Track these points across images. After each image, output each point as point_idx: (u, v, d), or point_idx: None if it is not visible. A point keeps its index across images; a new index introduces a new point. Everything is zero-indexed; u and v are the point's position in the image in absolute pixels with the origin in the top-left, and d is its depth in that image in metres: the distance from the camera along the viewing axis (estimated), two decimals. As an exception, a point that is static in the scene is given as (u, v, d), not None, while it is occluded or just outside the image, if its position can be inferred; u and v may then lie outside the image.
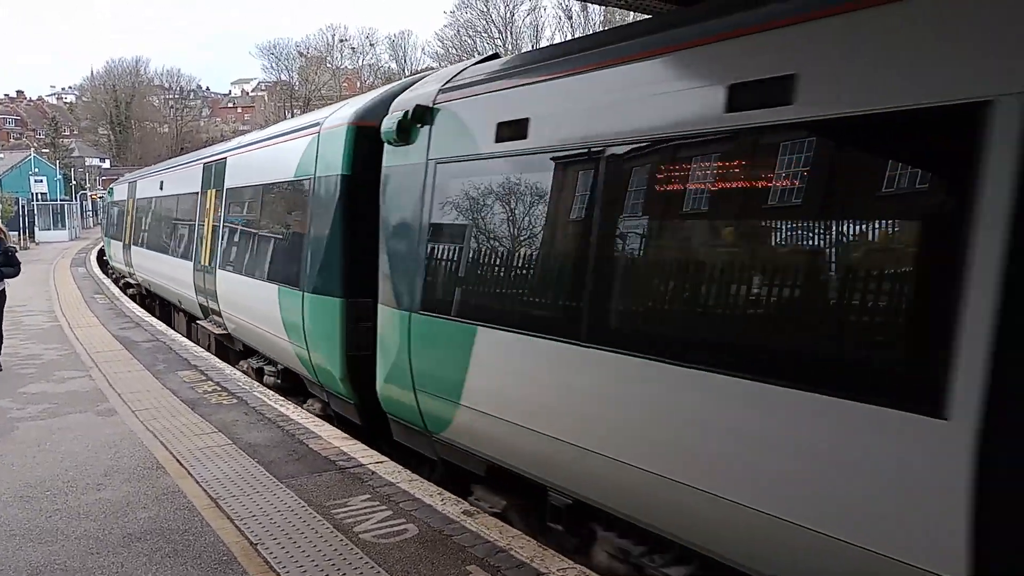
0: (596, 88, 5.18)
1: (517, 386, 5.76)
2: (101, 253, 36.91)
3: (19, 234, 51.32)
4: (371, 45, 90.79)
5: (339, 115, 8.92)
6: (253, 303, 10.96)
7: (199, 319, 14.73)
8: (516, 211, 5.91)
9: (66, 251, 42.64)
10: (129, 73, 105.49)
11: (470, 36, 69.46)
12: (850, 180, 3.85)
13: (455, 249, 6.50)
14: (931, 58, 3.36)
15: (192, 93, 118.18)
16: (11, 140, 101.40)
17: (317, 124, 9.41)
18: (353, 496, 6.12)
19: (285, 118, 64.08)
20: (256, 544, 5.24)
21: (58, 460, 7.08)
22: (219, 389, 9.90)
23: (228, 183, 13.04)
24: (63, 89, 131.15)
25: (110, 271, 29.61)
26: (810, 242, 3.94)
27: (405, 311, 6.90)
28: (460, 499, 6.18)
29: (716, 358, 4.11)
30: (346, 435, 7.95)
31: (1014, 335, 2.98)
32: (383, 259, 7.37)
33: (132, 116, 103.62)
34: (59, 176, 69.85)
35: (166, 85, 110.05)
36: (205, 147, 18.34)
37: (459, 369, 6.13)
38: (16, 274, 11.51)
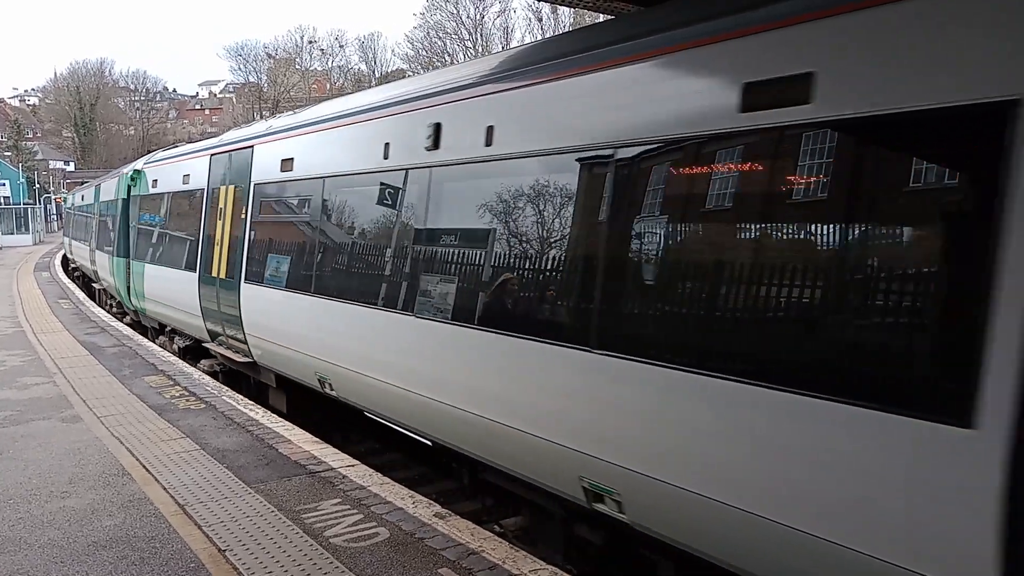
0: (169, 172, 14.52)
1: (148, 285, 14.97)
2: (65, 257, 36.47)
3: (-19, 239, 50.43)
4: (340, 47, 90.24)
5: (127, 168, 19.12)
6: (106, 265, 19.96)
7: (94, 283, 24.89)
8: (155, 214, 15.22)
9: (29, 256, 41.91)
10: (93, 74, 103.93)
11: (440, 38, 69.27)
12: None
13: (139, 230, 16.21)
14: None
15: (159, 95, 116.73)
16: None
17: (120, 172, 20.59)
18: (323, 500, 6.08)
19: (254, 120, 63.53)
20: (224, 551, 5.18)
21: (21, 468, 6.95)
22: (187, 394, 9.78)
23: (100, 198, 23.25)
24: (26, 91, 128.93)
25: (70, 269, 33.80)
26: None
27: (132, 260, 16.46)
28: (432, 502, 6.17)
29: (177, 263, 13.05)
30: (316, 439, 7.90)
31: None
32: (131, 236, 16.81)
33: (97, 118, 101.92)
34: (22, 179, 68.64)
35: (132, 87, 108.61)
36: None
37: (142, 282, 15.36)
38: None
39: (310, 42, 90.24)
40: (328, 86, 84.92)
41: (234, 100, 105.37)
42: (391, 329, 6.85)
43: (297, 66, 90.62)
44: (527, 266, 5.59)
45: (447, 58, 65.03)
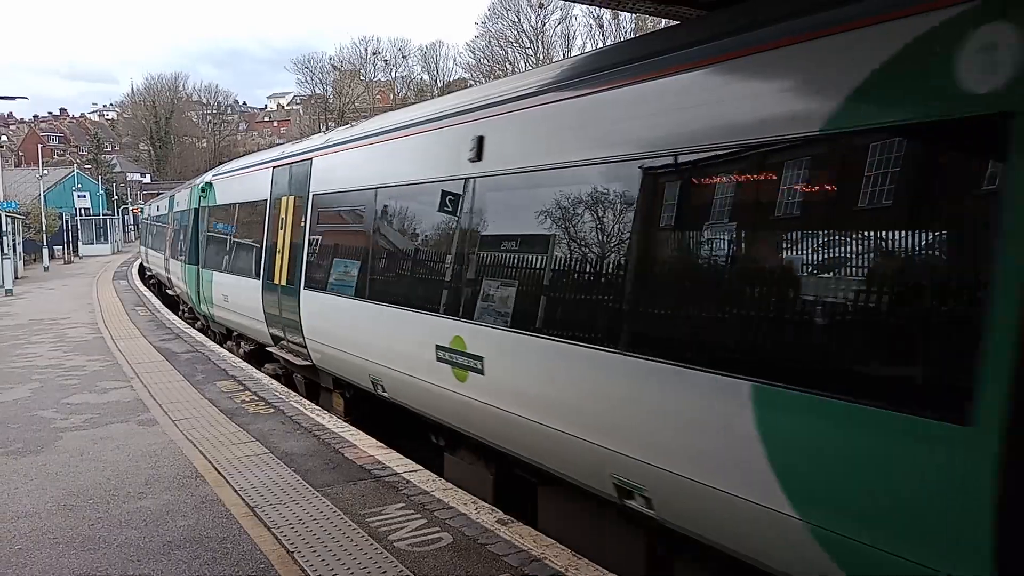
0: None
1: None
2: (142, 266, 37.84)
3: (63, 248, 52.71)
4: (403, 57, 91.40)
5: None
6: (166, 264, 24.88)
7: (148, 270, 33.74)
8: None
9: (108, 265, 43.55)
10: (168, 89, 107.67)
11: (501, 46, 69.74)
12: None
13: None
14: None
15: (229, 108, 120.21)
16: (55, 157, 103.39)
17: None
18: (388, 505, 6.16)
19: (320, 131, 64.86)
20: (293, 552, 5.29)
21: (100, 469, 7.23)
22: (256, 399, 10.03)
23: (172, 210, 25.39)
24: (105, 106, 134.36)
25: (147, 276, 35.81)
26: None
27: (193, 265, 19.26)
28: (494, 508, 6.19)
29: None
30: (380, 444, 8.00)
31: None
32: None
33: (171, 131, 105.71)
34: (101, 191, 71.49)
35: (204, 100, 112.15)
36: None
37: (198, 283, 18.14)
38: None
39: (374, 53, 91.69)
40: (392, 96, 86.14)
41: (301, 112, 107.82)
42: None
43: (362, 77, 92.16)
44: None
45: (508, 67, 65.41)
